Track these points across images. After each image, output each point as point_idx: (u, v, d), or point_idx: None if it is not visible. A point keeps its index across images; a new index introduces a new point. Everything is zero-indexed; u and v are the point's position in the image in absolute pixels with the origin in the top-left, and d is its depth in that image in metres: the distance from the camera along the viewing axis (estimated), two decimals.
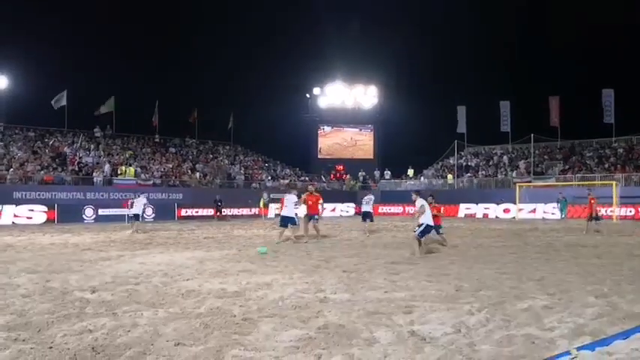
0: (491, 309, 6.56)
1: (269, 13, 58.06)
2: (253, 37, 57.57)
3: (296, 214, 17.08)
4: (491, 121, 47.49)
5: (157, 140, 45.07)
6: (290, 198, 16.99)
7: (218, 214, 33.53)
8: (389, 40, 55.49)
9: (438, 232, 15.59)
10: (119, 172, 35.28)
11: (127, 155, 39.38)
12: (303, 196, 18.15)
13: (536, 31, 54.88)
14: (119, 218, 29.71)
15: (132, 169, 35.91)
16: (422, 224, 12.80)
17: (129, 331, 5.59)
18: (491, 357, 4.68)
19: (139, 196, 23.21)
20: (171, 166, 40.42)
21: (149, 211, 32.22)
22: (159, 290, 8.08)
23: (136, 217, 22.18)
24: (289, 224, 16.56)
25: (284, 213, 16.83)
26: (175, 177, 38.60)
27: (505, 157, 45.89)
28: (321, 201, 18.23)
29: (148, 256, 12.91)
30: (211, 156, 46.26)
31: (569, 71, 50.06)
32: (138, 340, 5.22)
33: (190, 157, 44.34)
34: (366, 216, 20.76)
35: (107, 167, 35.05)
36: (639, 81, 44.30)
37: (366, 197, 21.49)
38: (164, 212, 32.70)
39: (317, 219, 17.90)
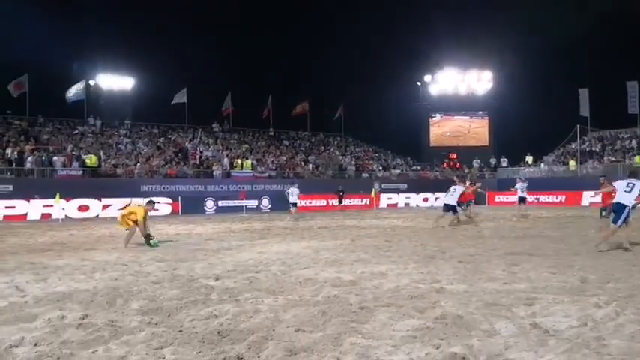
0: (621, 302, 6.17)
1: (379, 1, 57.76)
2: (364, 25, 57.63)
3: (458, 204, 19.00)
4: (617, 104, 44.47)
5: (271, 134, 46.47)
6: (457, 189, 18.90)
7: (340, 204, 34.44)
8: (503, 21, 53.37)
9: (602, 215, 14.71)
10: (235, 165, 36.73)
11: (244, 149, 40.91)
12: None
13: None
14: (237, 209, 30.96)
15: (248, 162, 37.27)
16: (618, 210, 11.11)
17: (251, 316, 5.82)
18: (622, 352, 4.42)
19: (290, 187, 25.53)
20: (285, 158, 41.50)
21: (265, 202, 33.35)
22: (278, 278, 8.34)
23: (294, 205, 24.78)
24: (451, 212, 18.54)
25: (446, 201, 18.91)
26: (289, 169, 39.57)
27: (633, 142, 42.82)
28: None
29: (266, 246, 13.36)
30: (323, 148, 46.97)
31: None
32: (260, 326, 5.44)
33: (303, 149, 45.29)
34: (521, 201, 23.28)
35: (225, 161, 36.60)
36: None
37: (519, 184, 23.15)
38: (280, 203, 33.59)
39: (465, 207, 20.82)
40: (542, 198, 35.93)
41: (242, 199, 31.09)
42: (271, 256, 11.02)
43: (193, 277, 8.58)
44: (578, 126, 43.47)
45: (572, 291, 6.96)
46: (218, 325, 5.47)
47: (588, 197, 35.87)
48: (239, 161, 37.25)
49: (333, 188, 35.37)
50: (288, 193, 25.12)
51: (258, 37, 54.89)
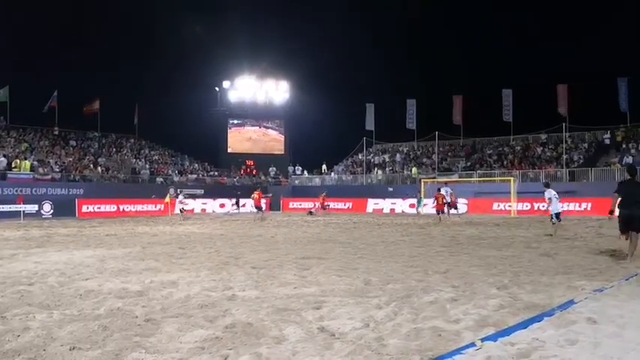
0: (399, 302, 6.61)
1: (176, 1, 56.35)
2: (159, 24, 55.72)
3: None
4: (398, 119, 48.78)
5: (57, 133, 42.83)
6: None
7: (236, 207, 37.16)
8: (300, 35, 55.76)
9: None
10: (14, 165, 33.20)
11: (23, 148, 37.17)
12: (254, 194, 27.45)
13: (440, 32, 56.97)
14: (14, 215, 27.97)
15: (28, 163, 33.88)
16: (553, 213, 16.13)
17: (19, 335, 5.17)
18: (399, 351, 4.68)
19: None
20: (71, 159, 38.55)
21: (47, 207, 30.65)
22: (54, 291, 7.59)
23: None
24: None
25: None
26: (76, 171, 36.82)
27: (398, 156, 47.27)
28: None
29: (45, 255, 12.22)
30: (115, 149, 44.56)
31: (472, 71, 52.41)
32: (28, 345, 4.84)
33: (92, 150, 42.50)
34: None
35: (1, 160, 32.91)
36: (535, 82, 47.03)
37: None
38: (63, 208, 31.06)
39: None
40: (332, 204, 37.88)
41: (19, 204, 28.19)
42: (49, 267, 10.03)
43: None
44: (364, 138, 46.93)
45: (357, 293, 7.30)
46: None
47: (372, 204, 38.82)
48: (18, 161, 33.69)
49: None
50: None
51: (44, 25, 49.92)
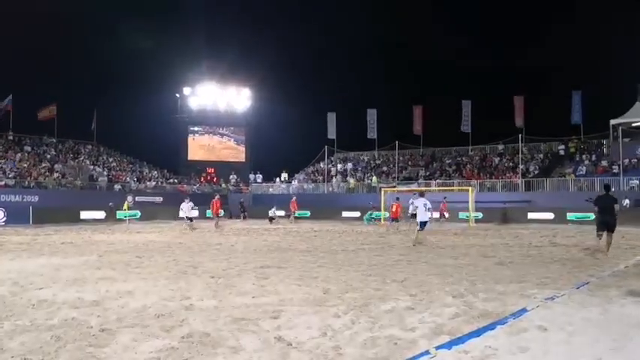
0: (357, 311, 6.66)
1: (137, 5, 55.50)
2: (119, 27, 54.81)
3: None
4: (359, 128, 49.19)
5: (11, 138, 41.72)
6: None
7: (243, 215, 38.41)
8: (263, 42, 55.75)
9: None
10: None
11: None
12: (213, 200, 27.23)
13: (401, 43, 57.73)
14: None
15: None
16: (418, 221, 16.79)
17: None
18: (355, 359, 4.73)
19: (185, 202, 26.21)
20: (26, 165, 37.59)
21: (0, 214, 29.81)
22: (6, 301, 7.39)
23: (190, 219, 25.58)
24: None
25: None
26: (31, 177, 35.92)
27: (350, 165, 47.62)
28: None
29: None
30: (72, 156, 43.64)
31: (432, 82, 53.28)
32: None
33: (48, 156, 41.53)
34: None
35: None
36: (492, 94, 48.14)
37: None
38: (17, 216, 30.25)
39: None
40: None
41: None
42: (1, 276, 9.76)
43: None
44: (326, 147, 47.17)
45: (315, 302, 7.32)
46: None
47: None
48: None
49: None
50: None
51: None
